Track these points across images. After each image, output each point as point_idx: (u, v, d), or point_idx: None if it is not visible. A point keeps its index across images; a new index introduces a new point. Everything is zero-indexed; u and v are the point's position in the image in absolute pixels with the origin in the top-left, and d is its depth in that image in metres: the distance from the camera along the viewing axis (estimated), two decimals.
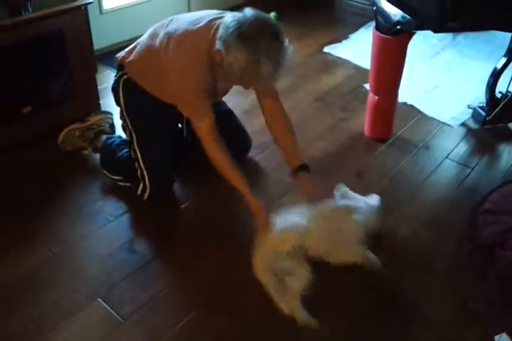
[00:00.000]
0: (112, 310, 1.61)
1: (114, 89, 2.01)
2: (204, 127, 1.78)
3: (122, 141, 2.18)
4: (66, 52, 2.27)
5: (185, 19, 1.81)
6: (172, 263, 1.80)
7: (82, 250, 1.85)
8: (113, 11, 3.15)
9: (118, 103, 2.01)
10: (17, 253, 1.81)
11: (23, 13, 2.11)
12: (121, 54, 1.99)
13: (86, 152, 2.24)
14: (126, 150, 2.10)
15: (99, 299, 1.65)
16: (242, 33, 1.55)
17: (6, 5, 2.15)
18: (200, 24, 1.73)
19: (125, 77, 1.94)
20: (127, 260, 1.80)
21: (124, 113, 1.99)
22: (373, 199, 1.83)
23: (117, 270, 1.76)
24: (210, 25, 1.71)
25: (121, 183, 2.10)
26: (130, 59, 1.92)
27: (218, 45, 1.61)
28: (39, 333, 1.54)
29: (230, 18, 1.61)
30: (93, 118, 2.27)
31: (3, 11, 2.12)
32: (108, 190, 2.11)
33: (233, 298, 1.68)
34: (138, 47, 1.92)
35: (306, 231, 1.65)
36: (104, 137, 2.22)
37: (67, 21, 2.20)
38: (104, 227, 1.95)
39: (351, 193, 1.84)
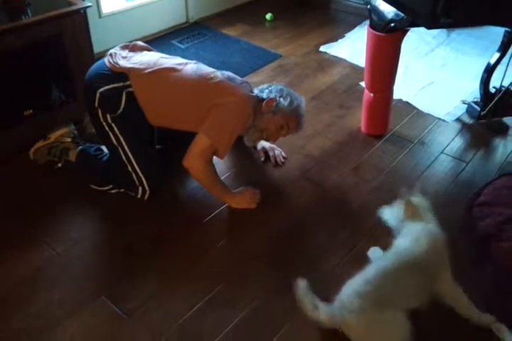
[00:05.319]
0: (115, 307, 1.64)
1: (110, 97, 1.94)
2: (208, 154, 1.94)
3: (95, 150, 2.18)
4: (66, 55, 2.30)
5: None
6: (174, 260, 1.83)
7: (86, 249, 1.87)
8: (112, 14, 3.20)
9: (110, 111, 1.95)
10: (21, 252, 1.83)
11: (23, 17, 2.14)
12: (127, 64, 1.95)
13: (59, 165, 2.21)
14: (103, 156, 2.13)
15: (103, 296, 1.68)
16: (296, 107, 2.09)
17: (6, 9, 2.19)
18: (239, 82, 2.06)
19: (130, 89, 1.92)
20: (130, 258, 1.83)
21: (114, 119, 1.96)
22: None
23: (120, 268, 1.79)
24: (247, 86, 2.09)
25: (113, 191, 2.11)
26: (143, 77, 1.92)
27: (283, 102, 2.05)
28: (44, 331, 1.57)
29: (282, 89, 2.11)
30: (54, 135, 2.21)
31: (2, 16, 2.16)
32: (110, 191, 2.13)
33: (235, 293, 1.71)
34: (150, 70, 1.93)
35: None
36: (74, 152, 2.17)
37: (66, 25, 2.23)
38: (106, 227, 1.99)
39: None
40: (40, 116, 2.33)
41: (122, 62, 1.96)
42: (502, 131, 2.59)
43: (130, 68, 1.93)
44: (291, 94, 2.12)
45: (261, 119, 2.04)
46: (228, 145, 1.96)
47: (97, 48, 2.55)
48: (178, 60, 2.06)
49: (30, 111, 2.29)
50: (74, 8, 2.23)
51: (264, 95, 2.07)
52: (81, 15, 2.28)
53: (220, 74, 2.01)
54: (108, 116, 1.95)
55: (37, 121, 2.31)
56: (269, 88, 2.11)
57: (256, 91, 2.11)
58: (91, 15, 2.78)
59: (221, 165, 2.27)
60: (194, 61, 2.08)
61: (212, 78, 1.97)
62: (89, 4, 2.30)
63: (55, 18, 2.17)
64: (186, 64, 2.02)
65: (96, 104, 1.94)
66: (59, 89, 2.38)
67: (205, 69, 2.04)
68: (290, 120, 2.08)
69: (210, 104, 1.92)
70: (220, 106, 1.91)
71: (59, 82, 2.37)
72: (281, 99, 2.05)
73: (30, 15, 2.16)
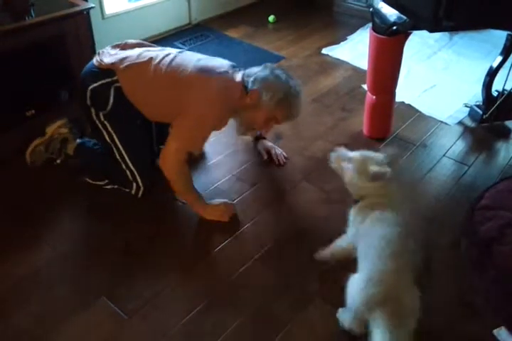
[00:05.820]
0: (116, 308, 1.64)
1: (99, 94, 1.93)
2: (182, 154, 1.90)
3: (94, 144, 2.18)
4: (68, 56, 2.31)
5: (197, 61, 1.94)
6: (174, 260, 1.83)
7: (86, 248, 1.87)
8: (115, 15, 3.20)
9: (101, 108, 1.95)
10: (21, 251, 1.84)
11: (26, 18, 2.15)
12: (111, 60, 1.94)
13: (58, 161, 2.21)
14: (102, 151, 2.12)
15: (104, 297, 1.67)
16: (281, 98, 1.94)
17: (9, 10, 2.19)
18: (217, 72, 1.92)
19: (117, 84, 1.91)
20: (130, 257, 1.83)
21: (106, 117, 1.96)
22: None
23: (121, 268, 1.79)
24: (223, 77, 1.93)
25: (108, 186, 2.12)
26: (125, 71, 1.91)
27: (265, 96, 1.92)
28: (45, 331, 1.57)
29: (267, 78, 1.95)
30: (50, 129, 2.21)
31: (6, 16, 2.16)
32: (109, 189, 2.14)
33: (236, 293, 1.71)
34: (135, 63, 1.92)
35: None
36: (73, 146, 2.18)
37: (69, 26, 2.23)
38: (107, 226, 1.98)
39: None
40: (42, 117, 2.33)
41: (107, 59, 1.95)
42: (504, 134, 2.59)
43: (114, 63, 1.92)
44: (278, 81, 1.96)
45: (246, 112, 1.97)
46: (202, 143, 1.98)
47: (99, 49, 2.54)
48: (162, 51, 1.99)
49: (33, 111, 2.30)
50: (77, 9, 2.23)
51: (250, 84, 1.95)
52: (84, 16, 2.28)
53: (192, 65, 1.91)
54: (101, 114, 1.96)
55: (39, 122, 2.30)
56: (255, 75, 1.96)
57: (244, 75, 1.99)
58: (94, 16, 2.80)
59: (222, 167, 2.28)
60: (178, 50, 2.03)
61: (182, 71, 1.89)
62: (93, 5, 2.31)
63: (58, 19, 2.18)
64: (166, 55, 1.95)
65: (88, 103, 1.95)
66: (61, 90, 2.38)
67: (182, 60, 1.94)
68: (276, 112, 1.98)
69: (184, 100, 1.87)
70: (191, 103, 1.86)
71: (61, 83, 2.38)
72: (264, 92, 1.92)
73: (33, 16, 2.17)
